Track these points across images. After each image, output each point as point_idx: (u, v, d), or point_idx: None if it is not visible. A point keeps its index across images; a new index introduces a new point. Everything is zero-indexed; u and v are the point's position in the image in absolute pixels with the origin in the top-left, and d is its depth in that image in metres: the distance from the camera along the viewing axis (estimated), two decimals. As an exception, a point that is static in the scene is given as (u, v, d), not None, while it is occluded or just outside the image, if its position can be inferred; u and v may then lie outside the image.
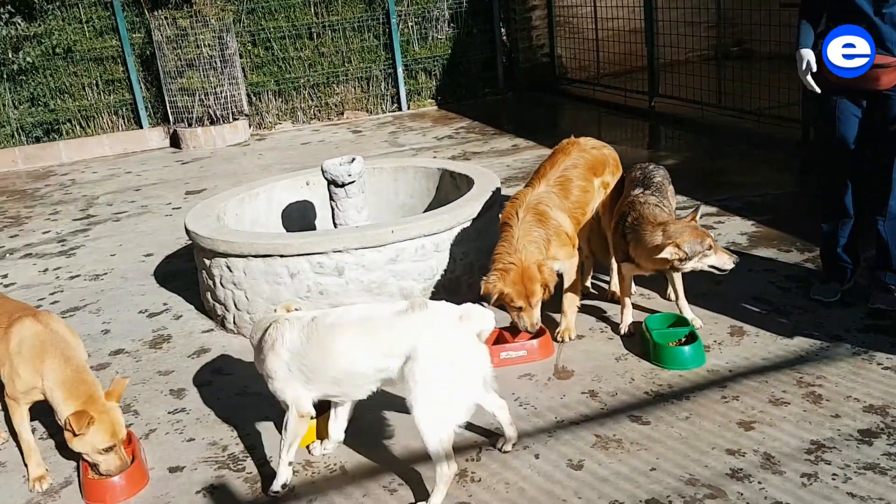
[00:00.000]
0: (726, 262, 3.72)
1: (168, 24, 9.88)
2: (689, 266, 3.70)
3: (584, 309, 4.35)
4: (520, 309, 3.81)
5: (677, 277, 4.02)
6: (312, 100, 11.27)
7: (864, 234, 4.11)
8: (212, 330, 4.72)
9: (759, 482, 2.86)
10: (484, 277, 3.87)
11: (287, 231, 5.49)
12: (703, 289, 4.35)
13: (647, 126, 9.19)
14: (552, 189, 4.07)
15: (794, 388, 3.42)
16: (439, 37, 11.51)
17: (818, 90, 3.90)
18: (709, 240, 3.70)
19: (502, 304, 3.86)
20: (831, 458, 2.94)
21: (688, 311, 4.06)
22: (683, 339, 3.84)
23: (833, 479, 2.83)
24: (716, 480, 2.89)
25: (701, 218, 4.04)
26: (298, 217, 5.60)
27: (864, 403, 3.26)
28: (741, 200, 5.92)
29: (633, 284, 4.23)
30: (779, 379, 3.51)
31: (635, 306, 4.22)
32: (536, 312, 3.84)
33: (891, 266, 4.00)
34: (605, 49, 10.51)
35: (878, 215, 3.94)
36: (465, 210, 4.55)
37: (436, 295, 4.45)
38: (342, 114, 11.37)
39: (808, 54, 3.88)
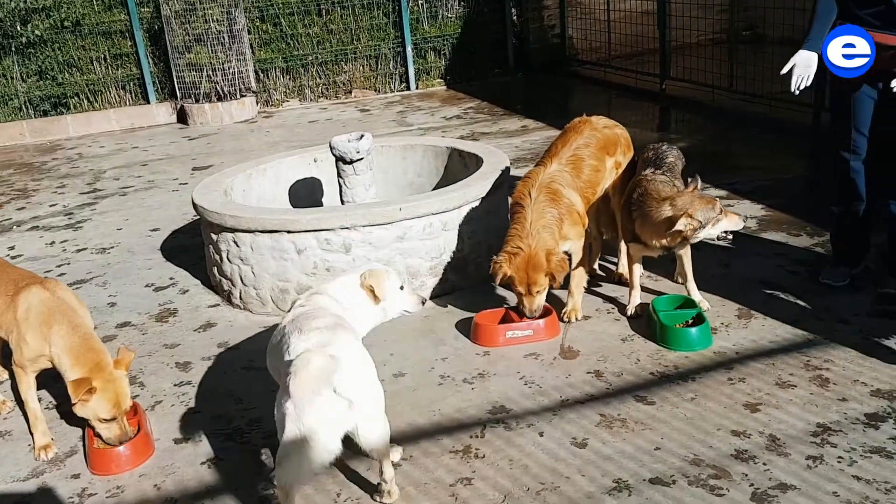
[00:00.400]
0: (737, 223, 3.74)
1: (177, -2, 9.82)
2: (701, 235, 3.68)
3: (590, 290, 4.33)
4: (522, 294, 3.84)
5: (686, 259, 3.99)
6: (320, 77, 11.20)
7: (875, 217, 4.07)
8: (218, 305, 4.73)
9: (765, 463, 2.85)
10: (494, 257, 3.88)
11: (294, 208, 5.48)
12: (712, 272, 4.33)
13: (658, 109, 9.12)
14: (564, 168, 4.05)
15: (802, 372, 3.41)
16: (449, 15, 11.42)
17: (794, 90, 3.85)
18: (719, 205, 3.69)
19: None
20: (837, 441, 2.94)
21: (696, 293, 4.04)
22: (690, 321, 3.83)
23: (839, 461, 2.82)
24: (720, 461, 2.89)
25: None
26: (306, 194, 5.58)
27: (871, 387, 3.24)
28: (751, 184, 5.88)
29: (641, 266, 4.21)
30: (786, 362, 3.50)
31: (643, 288, 4.20)
32: (537, 300, 3.86)
33: (902, 250, 3.97)
34: (616, 31, 10.42)
35: (892, 198, 3.90)
36: (475, 189, 4.52)
37: (444, 274, 4.45)
38: (350, 92, 11.32)
39: (801, 57, 3.79)
